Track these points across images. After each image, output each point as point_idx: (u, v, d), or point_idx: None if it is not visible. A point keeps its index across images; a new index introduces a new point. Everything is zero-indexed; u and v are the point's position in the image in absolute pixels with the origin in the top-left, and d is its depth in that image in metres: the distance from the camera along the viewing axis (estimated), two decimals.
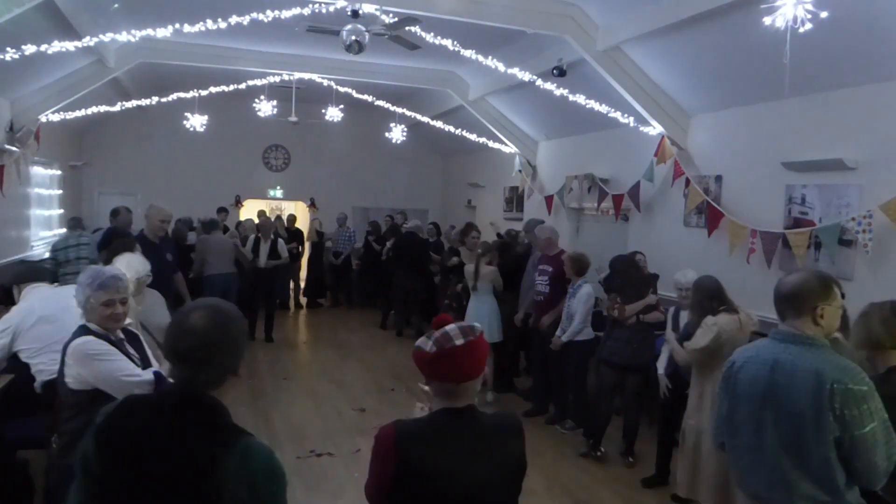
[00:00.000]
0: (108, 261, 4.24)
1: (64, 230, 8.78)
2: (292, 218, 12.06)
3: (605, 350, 5.40)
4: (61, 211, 10.17)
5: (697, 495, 4.25)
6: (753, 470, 2.47)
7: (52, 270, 4.34)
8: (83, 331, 2.80)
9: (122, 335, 2.91)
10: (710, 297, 4.30)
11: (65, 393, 2.76)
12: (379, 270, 10.75)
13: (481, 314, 6.52)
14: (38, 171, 9.20)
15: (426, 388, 2.01)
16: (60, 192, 10.23)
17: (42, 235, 9.19)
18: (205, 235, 8.69)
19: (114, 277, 2.87)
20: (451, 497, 1.89)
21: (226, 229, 9.99)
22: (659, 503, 4.71)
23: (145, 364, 2.93)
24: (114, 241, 4.73)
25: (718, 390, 2.69)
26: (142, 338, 3.10)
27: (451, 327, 1.95)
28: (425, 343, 1.95)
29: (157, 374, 2.82)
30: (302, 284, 12.38)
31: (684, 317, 4.83)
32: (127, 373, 2.73)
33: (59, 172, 10.13)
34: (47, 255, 7.35)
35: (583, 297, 5.72)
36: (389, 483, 1.89)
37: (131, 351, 2.90)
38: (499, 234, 9.67)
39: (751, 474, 2.49)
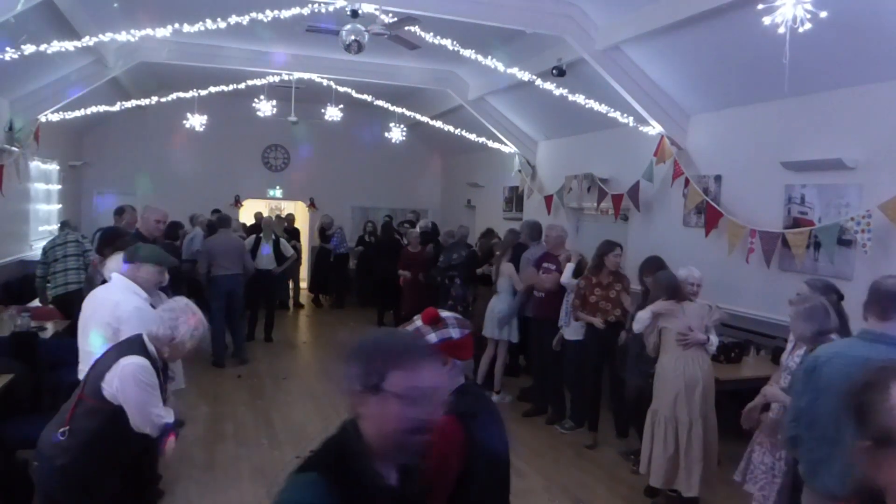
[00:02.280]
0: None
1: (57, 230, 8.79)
2: (291, 217, 12.09)
3: (638, 373, 5.03)
4: (60, 205, 10.15)
5: (649, 469, 4.48)
6: (827, 462, 2.60)
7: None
8: (142, 349, 2.82)
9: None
10: (664, 290, 4.54)
11: (92, 393, 2.76)
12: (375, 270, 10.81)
13: (502, 313, 6.57)
14: (37, 170, 9.20)
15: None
16: (59, 192, 10.22)
17: (42, 234, 9.19)
18: (211, 235, 8.64)
19: (207, 330, 3.01)
20: (501, 464, 1.94)
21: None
22: None
23: (163, 394, 2.97)
24: (117, 241, 4.75)
25: (796, 384, 2.83)
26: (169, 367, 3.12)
27: (450, 315, 2.04)
28: (445, 333, 1.98)
29: (168, 426, 2.87)
30: (303, 284, 12.39)
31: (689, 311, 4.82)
32: (157, 412, 2.80)
33: (58, 171, 10.12)
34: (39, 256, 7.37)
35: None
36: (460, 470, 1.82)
37: (161, 380, 2.92)
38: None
39: (823, 467, 2.62)
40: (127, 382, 2.70)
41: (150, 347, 2.83)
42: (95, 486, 2.79)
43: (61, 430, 2.75)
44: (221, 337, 8.02)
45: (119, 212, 6.56)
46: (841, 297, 3.94)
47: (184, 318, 2.85)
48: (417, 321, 2.02)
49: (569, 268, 5.79)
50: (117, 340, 3.09)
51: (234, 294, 8.07)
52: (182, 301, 2.98)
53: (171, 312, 2.87)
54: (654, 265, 5.35)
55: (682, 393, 4.32)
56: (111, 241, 5.48)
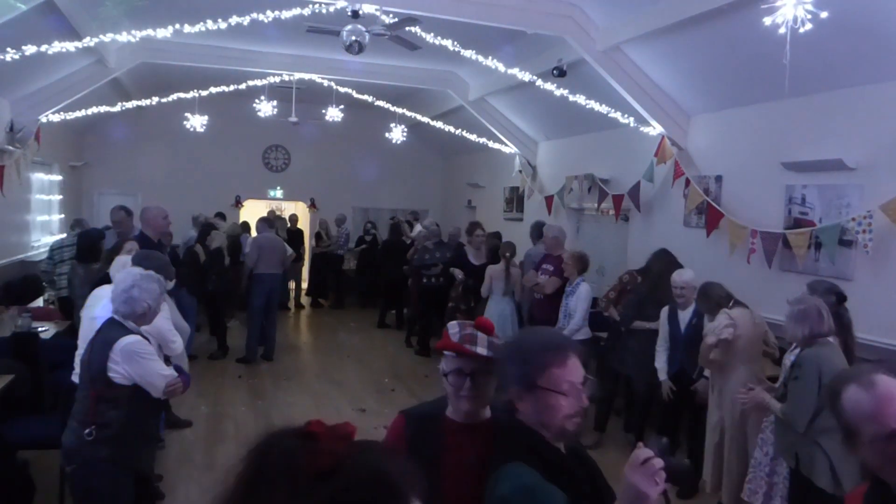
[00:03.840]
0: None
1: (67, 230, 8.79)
2: (294, 218, 12.07)
3: (642, 370, 5.15)
4: (62, 216, 10.15)
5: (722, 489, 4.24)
6: None
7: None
8: (123, 329, 2.92)
9: None
10: (719, 301, 4.42)
11: (104, 386, 2.84)
12: (375, 270, 10.80)
13: (499, 315, 6.57)
14: (37, 171, 9.19)
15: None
16: (60, 193, 10.21)
17: (43, 236, 9.19)
18: (256, 234, 8.73)
19: (160, 281, 3.16)
20: None
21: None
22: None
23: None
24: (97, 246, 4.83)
25: None
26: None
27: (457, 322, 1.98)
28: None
29: (177, 366, 3.15)
30: (304, 285, 12.39)
31: (682, 317, 4.83)
32: (164, 372, 2.96)
33: (59, 176, 10.12)
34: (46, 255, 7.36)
35: (582, 294, 5.73)
36: None
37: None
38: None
39: None
40: (131, 360, 2.84)
41: (128, 324, 2.94)
42: (138, 460, 3.00)
43: (87, 429, 2.83)
44: (256, 335, 8.07)
45: (113, 212, 6.61)
46: (843, 299, 3.93)
47: (136, 287, 2.96)
48: (480, 334, 1.88)
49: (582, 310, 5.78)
50: None
51: (274, 293, 8.22)
52: (123, 274, 3.09)
53: (120, 287, 2.97)
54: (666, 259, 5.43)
55: (749, 410, 4.07)
56: (89, 248, 5.55)
